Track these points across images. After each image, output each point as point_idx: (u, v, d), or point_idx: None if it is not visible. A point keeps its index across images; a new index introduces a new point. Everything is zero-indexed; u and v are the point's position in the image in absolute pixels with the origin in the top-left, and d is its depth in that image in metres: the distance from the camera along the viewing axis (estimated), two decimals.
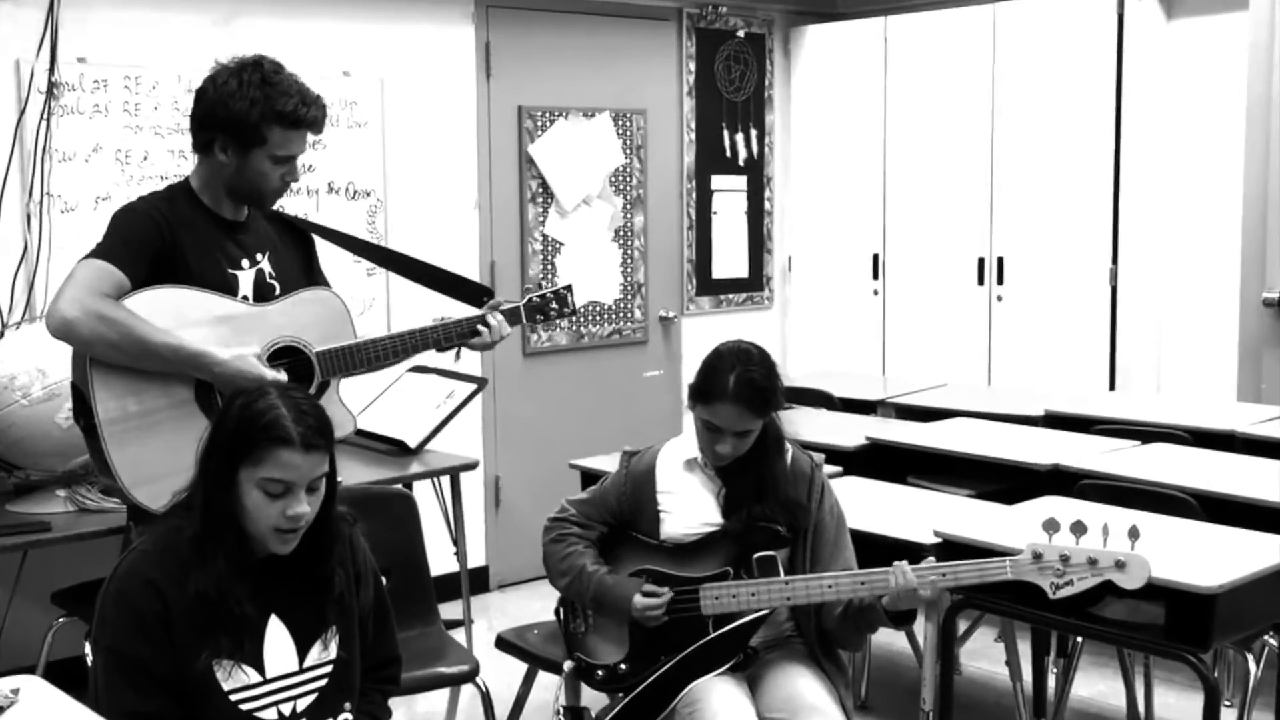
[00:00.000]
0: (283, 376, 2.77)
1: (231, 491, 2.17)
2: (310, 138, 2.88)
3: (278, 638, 2.24)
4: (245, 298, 2.85)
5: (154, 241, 2.75)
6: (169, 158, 4.33)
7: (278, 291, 2.90)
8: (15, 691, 2.17)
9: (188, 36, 4.42)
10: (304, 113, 2.80)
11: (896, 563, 2.64)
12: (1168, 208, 5.24)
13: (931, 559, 2.67)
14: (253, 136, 2.77)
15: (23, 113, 4.12)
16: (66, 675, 2.78)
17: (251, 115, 2.75)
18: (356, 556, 2.38)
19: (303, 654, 2.27)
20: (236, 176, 2.82)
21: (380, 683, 2.47)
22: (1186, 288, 5.27)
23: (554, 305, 3.20)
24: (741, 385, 2.77)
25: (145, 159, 4.34)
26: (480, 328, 3.04)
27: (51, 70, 4.14)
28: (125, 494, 2.70)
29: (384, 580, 2.47)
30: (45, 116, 4.14)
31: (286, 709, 2.24)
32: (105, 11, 4.28)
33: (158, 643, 2.14)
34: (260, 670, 2.22)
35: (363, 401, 4.46)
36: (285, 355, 2.85)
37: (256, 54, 2.84)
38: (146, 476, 2.67)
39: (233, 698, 2.19)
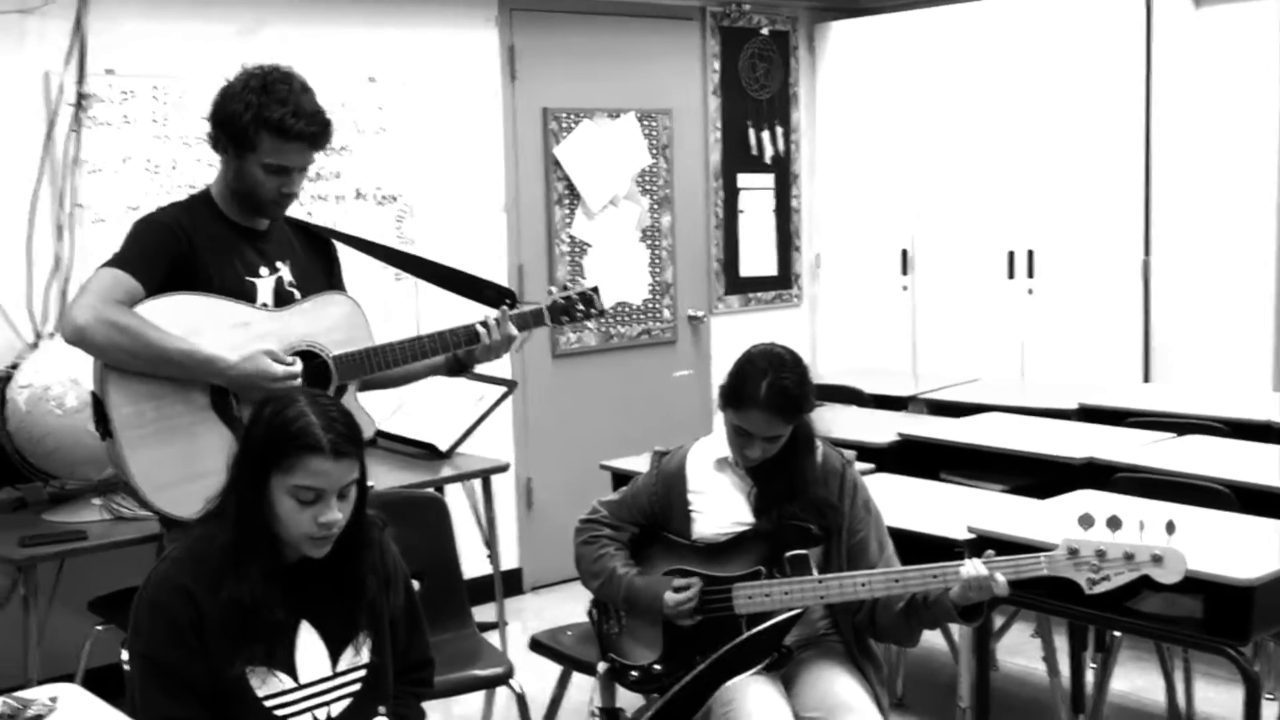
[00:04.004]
0: (297, 367, 2.77)
1: (263, 499, 2.18)
2: (312, 154, 2.85)
3: (310, 644, 2.25)
4: (265, 305, 2.86)
5: (170, 250, 2.76)
6: (197, 167, 4.35)
7: (298, 299, 2.91)
8: (53, 699, 2.19)
9: (214, 46, 4.44)
10: (291, 124, 2.76)
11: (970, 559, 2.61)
12: (1200, 197, 5.18)
13: (991, 552, 2.64)
14: (243, 140, 2.78)
15: (52, 124, 4.15)
16: (105, 683, 2.80)
17: (243, 118, 2.76)
18: (386, 560, 2.38)
19: (335, 659, 2.27)
20: (235, 180, 2.83)
21: (413, 685, 2.47)
22: (1221, 277, 5.21)
23: (580, 307, 3.09)
24: (773, 393, 2.75)
25: (174, 168, 4.37)
26: (479, 328, 2.96)
27: (80, 82, 4.18)
28: (145, 501, 2.72)
29: (415, 584, 2.47)
30: (75, 128, 4.18)
31: (321, 714, 2.25)
32: (132, 23, 4.31)
33: (191, 649, 2.15)
34: (293, 676, 2.22)
35: (393, 406, 4.47)
36: (302, 359, 2.85)
37: (276, 64, 2.85)
38: (164, 483, 2.69)
39: (267, 704, 2.20)
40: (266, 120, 2.75)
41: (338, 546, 2.24)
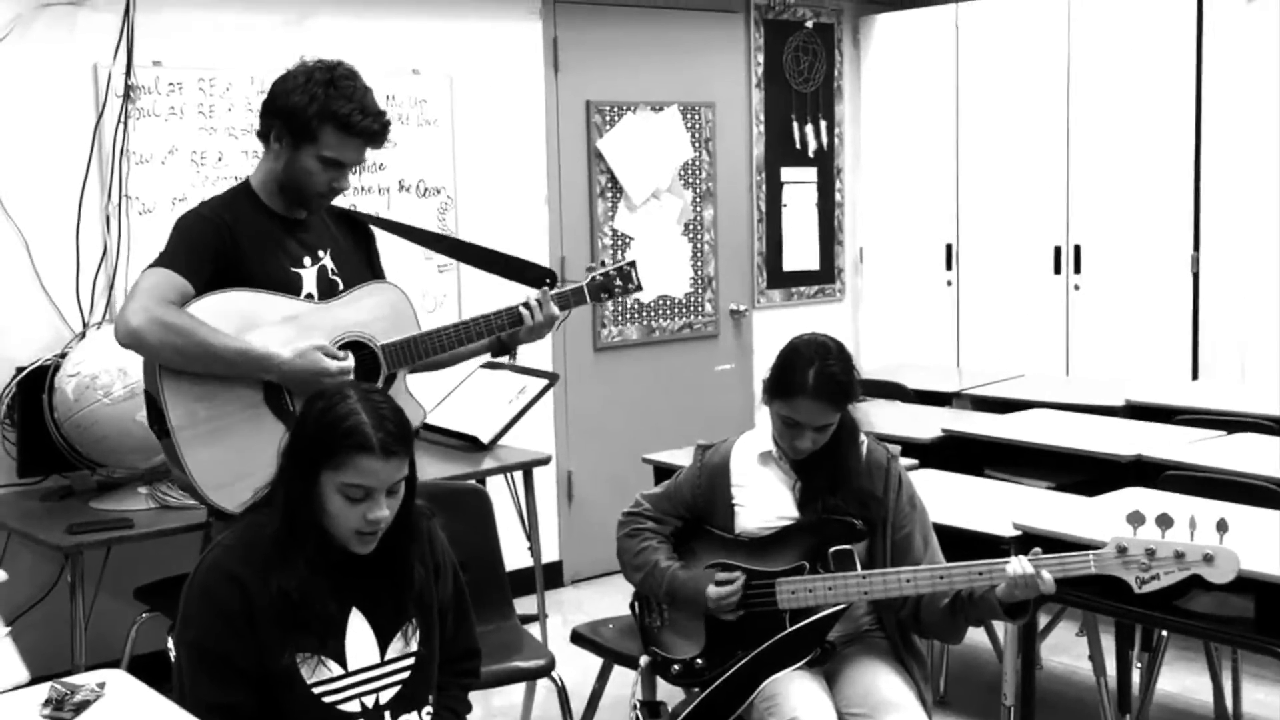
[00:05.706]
0: (350, 362, 2.78)
1: (312, 494, 2.18)
2: (368, 152, 2.87)
3: (359, 631, 2.26)
4: (309, 295, 2.86)
5: (215, 245, 2.77)
6: (243, 159, 4.38)
7: (341, 287, 2.91)
8: (101, 685, 2.21)
9: (260, 38, 4.47)
10: (357, 120, 2.78)
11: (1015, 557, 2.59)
12: (1250, 192, 5.11)
13: (1038, 549, 2.62)
14: (304, 131, 2.78)
15: (100, 116, 4.19)
16: (150, 669, 2.81)
17: (309, 110, 2.76)
18: (435, 549, 2.38)
19: (384, 647, 2.28)
20: (285, 170, 2.83)
21: (460, 675, 2.47)
22: (1271, 273, 5.14)
23: (618, 282, 3.12)
24: (822, 380, 2.73)
25: (220, 160, 4.40)
26: (521, 310, 2.99)
27: (128, 74, 4.21)
28: (203, 498, 2.73)
29: (462, 573, 2.47)
30: (122, 119, 4.21)
31: (369, 701, 2.25)
32: (180, 15, 4.34)
33: (241, 637, 2.16)
34: (342, 663, 2.23)
35: (436, 397, 4.48)
36: (351, 349, 2.86)
37: (339, 59, 2.86)
38: (222, 480, 2.70)
39: (315, 691, 2.20)
40: (334, 114, 2.76)
41: (386, 537, 2.24)
